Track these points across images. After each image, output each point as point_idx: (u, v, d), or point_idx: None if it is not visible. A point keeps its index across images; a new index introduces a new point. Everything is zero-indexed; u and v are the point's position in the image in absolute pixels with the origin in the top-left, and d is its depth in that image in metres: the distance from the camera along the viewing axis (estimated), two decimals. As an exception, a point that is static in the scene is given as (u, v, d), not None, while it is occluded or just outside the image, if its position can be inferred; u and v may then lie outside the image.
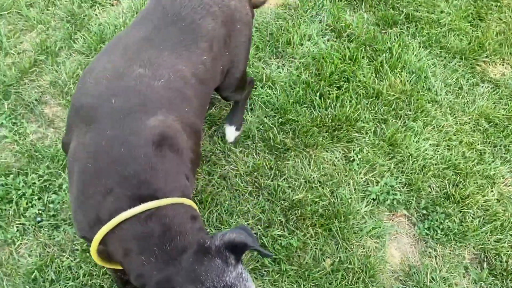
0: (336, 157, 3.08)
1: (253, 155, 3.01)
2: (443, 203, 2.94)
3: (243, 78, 2.56)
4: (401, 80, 3.48)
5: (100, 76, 1.78)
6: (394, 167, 3.08)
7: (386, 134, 3.19)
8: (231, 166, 2.95)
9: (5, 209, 2.61)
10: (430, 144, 3.20)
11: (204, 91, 2.06)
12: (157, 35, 1.91)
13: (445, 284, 2.67)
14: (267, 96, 3.26)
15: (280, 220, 2.76)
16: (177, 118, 1.79)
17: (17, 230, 2.57)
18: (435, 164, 3.11)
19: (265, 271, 2.59)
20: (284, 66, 3.51)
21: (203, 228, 1.71)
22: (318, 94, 3.31)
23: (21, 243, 2.54)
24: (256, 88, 3.28)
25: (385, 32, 3.80)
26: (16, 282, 2.39)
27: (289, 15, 3.79)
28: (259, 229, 2.70)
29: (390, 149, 3.14)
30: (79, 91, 1.84)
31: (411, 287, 2.64)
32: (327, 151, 3.10)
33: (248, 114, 3.17)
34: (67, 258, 2.50)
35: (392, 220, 2.92)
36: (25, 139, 2.90)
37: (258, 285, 2.54)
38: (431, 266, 2.73)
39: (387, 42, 3.68)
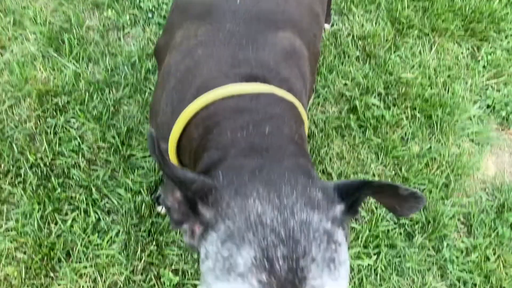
0: (462, 52, 2.76)
1: (373, 22, 2.78)
2: None
3: None
4: None
5: None
6: (524, 81, 2.71)
7: (529, 44, 2.77)
8: (346, 25, 2.76)
9: (123, -4, 2.69)
10: None
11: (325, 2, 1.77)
12: None
13: (536, 212, 2.40)
14: (408, -34, 2.93)
15: (380, 91, 2.58)
16: (304, 42, 1.53)
17: (129, 19, 2.65)
18: None
19: (347, 133, 2.48)
20: None
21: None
22: (466, -19, 2.91)
23: (129, 32, 2.63)
24: (399, -45, 2.96)
25: None
26: (117, 61, 2.50)
27: None
28: (355, 92, 2.55)
29: (527, 61, 2.74)
30: None
31: (496, 201, 2.41)
32: (454, 42, 2.77)
33: (381, -19, 2.89)
34: (166, 57, 2.55)
35: (500, 134, 2.62)
36: None
37: (336, 144, 2.45)
38: (527, 191, 2.45)
39: None
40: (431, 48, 2.74)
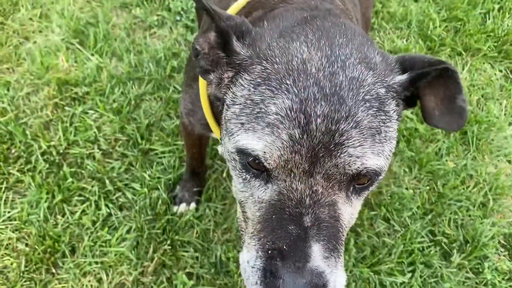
0: (495, 74, 2.67)
1: (404, 39, 2.72)
2: None
3: None
4: None
5: None
6: (561, 106, 2.60)
7: None
8: (376, 40, 2.70)
9: (153, -3, 2.66)
10: None
11: None
12: None
13: None
14: (439, -11, 2.92)
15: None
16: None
17: (157, 20, 2.60)
18: None
19: (379, 143, 2.34)
20: (467, -29, 3.11)
21: None
22: (498, 5, 2.88)
23: (155, 32, 2.57)
24: (429, -21, 2.96)
25: None
26: (141, 58, 2.42)
27: None
28: (387, 103, 2.44)
29: None
30: None
31: (539, 224, 2.22)
32: (487, 63, 2.70)
33: (411, 2, 2.87)
34: (192, 57, 2.48)
35: (538, 158, 2.47)
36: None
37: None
38: None
39: None
40: (463, 68, 2.66)
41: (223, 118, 0.99)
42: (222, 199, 2.10)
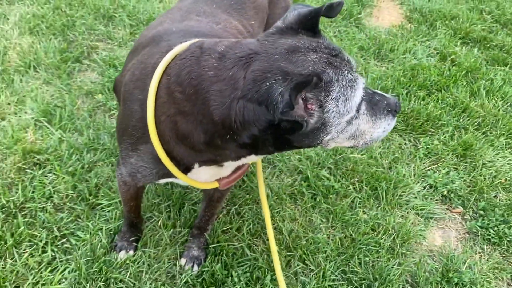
0: (405, 143, 3.13)
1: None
2: (505, 210, 2.76)
3: None
4: (494, 104, 3.45)
5: (158, 24, 1.97)
6: (462, 168, 3.01)
7: (463, 138, 3.16)
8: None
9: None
10: (509, 161, 3.07)
11: None
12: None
13: (482, 278, 2.45)
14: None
15: (330, 166, 2.87)
16: None
17: (116, 104, 3.09)
18: (509, 180, 2.96)
19: (300, 198, 2.69)
20: (382, 66, 3.75)
21: None
22: (406, 91, 3.45)
23: (114, 113, 3.05)
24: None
25: (492, 68, 3.84)
26: (99, 133, 2.86)
27: (400, 34, 4.09)
28: (308, 165, 2.84)
29: (463, 152, 3.09)
30: (139, 39, 2.02)
31: (441, 264, 2.48)
32: (398, 135, 3.17)
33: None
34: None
35: (445, 212, 2.81)
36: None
37: (290, 208, 2.64)
38: (473, 260, 2.54)
39: (491, 74, 3.72)
40: (377, 138, 3.11)
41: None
42: (156, 245, 2.38)
